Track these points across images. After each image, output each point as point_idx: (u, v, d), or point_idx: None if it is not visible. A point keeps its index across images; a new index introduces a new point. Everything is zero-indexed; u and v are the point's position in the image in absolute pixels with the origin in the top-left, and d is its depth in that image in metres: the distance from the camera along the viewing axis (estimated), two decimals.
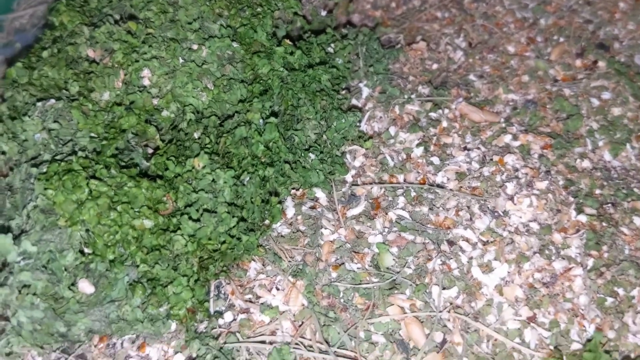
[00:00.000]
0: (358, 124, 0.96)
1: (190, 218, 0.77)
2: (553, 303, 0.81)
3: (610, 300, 0.81)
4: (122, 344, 0.79)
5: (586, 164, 0.94)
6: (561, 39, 1.11)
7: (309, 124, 0.88)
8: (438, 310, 0.79)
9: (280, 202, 0.87)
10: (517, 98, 1.03)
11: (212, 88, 0.85)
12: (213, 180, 0.79)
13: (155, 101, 0.84)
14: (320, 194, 0.90)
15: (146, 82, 0.83)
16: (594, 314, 0.80)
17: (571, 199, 0.90)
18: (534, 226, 0.86)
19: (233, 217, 0.79)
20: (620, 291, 0.82)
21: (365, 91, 1.03)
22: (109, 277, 0.74)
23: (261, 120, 0.85)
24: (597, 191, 0.92)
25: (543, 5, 1.17)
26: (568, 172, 0.93)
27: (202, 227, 0.77)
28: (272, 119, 0.85)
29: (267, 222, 0.86)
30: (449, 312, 0.79)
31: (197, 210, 0.78)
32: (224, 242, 0.79)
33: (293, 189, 0.90)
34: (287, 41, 0.95)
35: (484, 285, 0.81)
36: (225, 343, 0.77)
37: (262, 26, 0.93)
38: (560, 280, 0.83)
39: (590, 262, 0.84)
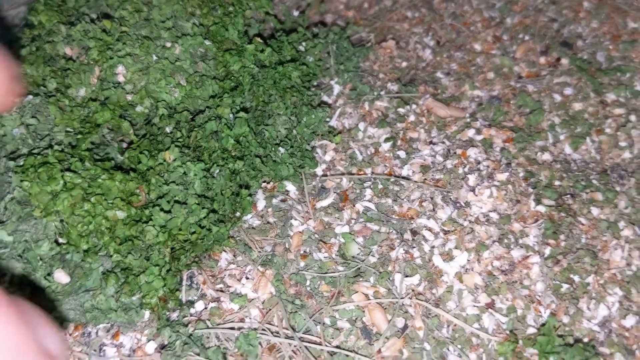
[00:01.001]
0: (328, 120, 0.99)
1: (161, 209, 0.80)
2: (511, 290, 0.84)
3: (565, 286, 0.85)
4: (96, 332, 0.82)
5: (547, 156, 0.98)
6: (526, 37, 1.15)
7: (280, 119, 0.91)
8: (400, 297, 0.82)
9: (250, 195, 0.90)
10: (482, 94, 1.07)
11: (185, 84, 0.88)
12: (184, 172, 0.82)
13: (129, 97, 0.87)
14: (290, 187, 0.93)
15: (120, 79, 0.87)
16: (549, 299, 0.84)
17: (530, 190, 0.94)
18: (494, 216, 0.89)
19: (203, 208, 0.82)
20: (576, 278, 0.86)
21: (336, 88, 1.06)
22: (84, 267, 0.77)
23: (231, 115, 0.89)
24: (557, 183, 0.95)
25: (510, 5, 1.20)
26: (528, 165, 0.96)
27: (172, 218, 0.80)
28: (242, 114, 0.89)
29: (237, 214, 0.89)
30: (410, 298, 0.83)
31: (169, 202, 0.81)
32: (194, 232, 0.82)
33: (264, 182, 0.93)
34: (258, 39, 0.98)
35: (444, 272, 0.85)
36: (195, 330, 0.80)
37: (234, 24, 0.96)
38: (518, 267, 0.86)
39: (547, 251, 0.88)
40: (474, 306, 0.83)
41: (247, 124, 0.88)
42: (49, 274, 0.76)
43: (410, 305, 0.82)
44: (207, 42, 0.93)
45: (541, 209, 0.92)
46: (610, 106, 1.05)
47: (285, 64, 0.98)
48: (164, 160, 0.83)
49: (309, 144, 0.97)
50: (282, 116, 0.92)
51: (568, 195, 0.94)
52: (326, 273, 0.84)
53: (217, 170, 0.85)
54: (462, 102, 1.06)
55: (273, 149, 0.91)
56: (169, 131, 0.86)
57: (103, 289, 0.78)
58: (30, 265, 0.75)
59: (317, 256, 0.86)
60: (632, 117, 1.03)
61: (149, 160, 0.83)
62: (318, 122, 0.96)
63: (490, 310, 0.82)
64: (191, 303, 0.84)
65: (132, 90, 0.88)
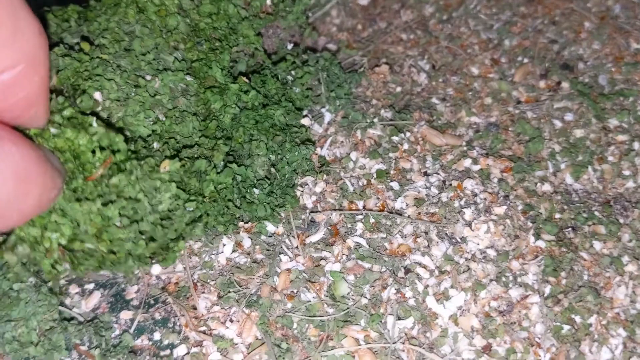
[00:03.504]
0: (310, 158, 0.95)
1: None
2: (509, 332, 0.80)
3: (566, 328, 0.81)
4: None
5: (546, 187, 0.94)
6: (525, 60, 1.11)
7: (259, 160, 0.87)
8: (392, 342, 0.78)
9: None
10: (479, 121, 1.03)
11: (164, 119, 0.84)
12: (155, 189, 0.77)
13: None
14: (270, 227, 0.89)
15: (98, 108, 0.83)
16: (549, 342, 0.80)
17: (530, 224, 0.89)
18: (491, 253, 0.85)
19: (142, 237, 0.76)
20: (577, 319, 0.82)
21: (328, 116, 1.02)
22: (11, 296, 0.74)
23: (222, 162, 0.85)
24: (557, 215, 0.91)
25: (508, 26, 1.16)
26: (527, 197, 0.92)
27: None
28: (233, 165, 0.85)
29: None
30: (403, 343, 0.78)
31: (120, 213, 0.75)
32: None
33: (242, 221, 0.89)
34: (243, 78, 0.94)
35: (439, 315, 0.80)
36: None
37: (218, 62, 0.92)
38: (517, 308, 0.82)
39: (547, 289, 0.84)
40: (470, 350, 0.78)
41: (232, 175, 0.84)
42: None
43: (403, 350, 0.78)
44: (189, 78, 0.89)
45: (541, 244, 0.87)
46: (613, 132, 1.01)
47: (269, 106, 0.93)
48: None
49: (290, 182, 0.93)
50: (262, 157, 0.88)
51: (569, 229, 0.90)
52: (314, 316, 0.80)
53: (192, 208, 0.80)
54: (458, 129, 1.02)
55: (249, 190, 0.87)
56: (156, 147, 0.82)
57: (26, 321, 0.76)
58: None
59: (305, 297, 0.82)
60: (636, 145, 0.99)
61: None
62: (301, 160, 0.92)
63: (487, 354, 0.78)
64: (172, 346, 0.80)
65: (108, 119, 0.84)
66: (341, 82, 1.04)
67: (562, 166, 0.97)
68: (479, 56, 1.11)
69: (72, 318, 0.82)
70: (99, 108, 0.83)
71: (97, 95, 0.83)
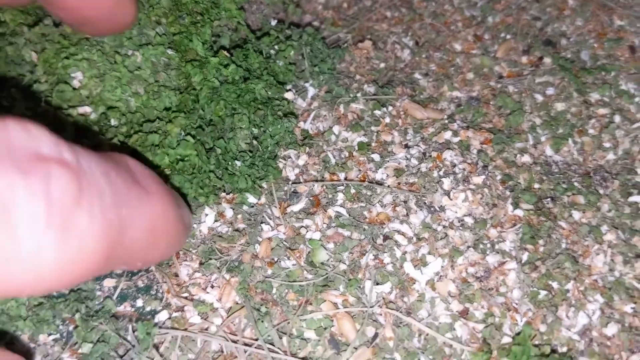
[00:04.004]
0: (292, 131, 0.95)
1: None
2: (486, 297, 0.81)
3: (543, 293, 0.81)
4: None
5: (526, 158, 0.95)
6: (508, 36, 1.12)
7: (241, 133, 0.88)
8: (370, 306, 0.79)
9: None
10: (461, 95, 1.04)
11: (143, 94, 0.86)
12: None
13: (87, 109, 0.85)
14: (252, 199, 0.90)
15: (76, 84, 0.84)
16: (526, 307, 0.81)
17: (508, 193, 0.90)
18: (469, 221, 0.86)
19: None
20: (555, 285, 0.83)
21: (311, 91, 1.03)
22: None
23: (182, 134, 0.86)
24: (536, 185, 0.92)
25: (492, 4, 1.17)
26: (506, 167, 0.93)
27: None
28: (189, 138, 0.86)
29: None
30: (381, 307, 0.79)
31: None
32: None
33: (224, 192, 0.90)
34: (225, 52, 0.95)
35: (416, 280, 0.81)
36: (150, 333, 0.77)
37: (199, 35, 0.93)
38: (494, 274, 0.83)
39: (525, 256, 0.85)
40: (447, 315, 0.79)
41: (193, 148, 0.85)
42: None
43: (381, 314, 0.79)
44: (170, 52, 0.90)
45: (519, 213, 0.88)
46: (594, 106, 1.02)
47: (250, 80, 0.94)
48: None
49: (272, 155, 0.94)
50: (244, 130, 0.89)
51: (548, 199, 0.91)
52: (294, 281, 0.81)
53: None
54: (440, 103, 1.03)
55: (230, 162, 0.88)
56: (113, 124, 0.83)
57: None
58: None
59: (285, 264, 0.83)
60: (617, 117, 1.00)
61: None
62: (284, 133, 0.93)
63: (463, 319, 0.79)
64: (154, 312, 0.81)
65: (88, 96, 0.85)
66: (324, 57, 1.05)
67: (543, 139, 0.98)
68: (462, 33, 1.12)
69: (61, 295, 0.83)
70: (79, 85, 0.85)
71: (78, 74, 0.85)
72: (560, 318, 0.80)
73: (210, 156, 0.87)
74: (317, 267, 0.82)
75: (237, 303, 0.81)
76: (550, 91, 1.03)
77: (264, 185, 0.92)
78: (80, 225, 0.43)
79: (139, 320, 0.80)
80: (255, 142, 0.90)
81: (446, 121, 0.98)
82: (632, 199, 0.91)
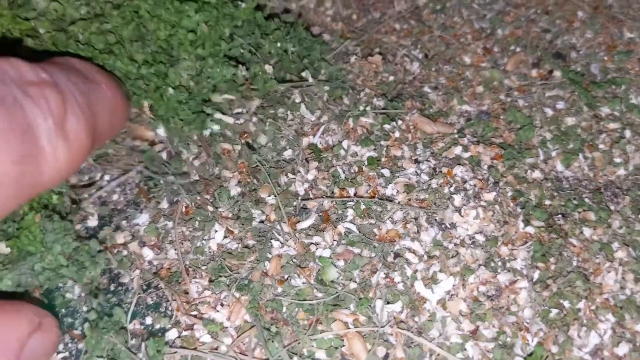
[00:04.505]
0: (233, 79, 0.95)
1: None
2: (497, 316, 0.81)
3: (555, 312, 0.81)
4: None
5: (537, 174, 0.94)
6: (518, 49, 1.11)
7: (184, 63, 0.90)
8: (381, 325, 0.79)
9: None
10: (471, 109, 1.03)
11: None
12: None
13: None
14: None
15: None
16: (537, 327, 0.80)
17: (519, 210, 0.90)
18: (480, 238, 0.86)
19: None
20: (566, 304, 0.82)
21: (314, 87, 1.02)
22: (21, 237, 0.79)
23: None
24: (547, 202, 0.92)
25: (501, 16, 1.17)
26: (517, 183, 0.92)
27: None
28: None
29: None
30: (392, 327, 0.79)
31: None
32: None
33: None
34: None
35: (427, 299, 0.81)
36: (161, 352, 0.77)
37: None
38: (505, 293, 0.82)
39: (536, 275, 0.84)
40: (458, 334, 0.79)
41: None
42: None
43: (392, 334, 0.79)
44: None
45: (530, 230, 0.88)
46: (605, 120, 1.02)
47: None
48: None
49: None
50: (187, 61, 0.90)
51: (559, 215, 0.90)
52: (304, 300, 0.81)
53: None
54: (450, 117, 1.02)
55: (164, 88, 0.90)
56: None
57: (50, 249, 0.80)
58: None
59: (295, 282, 0.83)
60: (627, 132, 1.00)
61: None
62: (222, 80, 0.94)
63: (475, 338, 0.79)
64: (163, 330, 0.81)
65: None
66: (311, 45, 1.04)
67: (553, 154, 0.98)
68: (472, 45, 1.12)
69: (89, 236, 0.87)
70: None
71: None
72: (572, 338, 0.80)
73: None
74: (327, 286, 0.82)
75: (247, 322, 0.80)
76: (560, 105, 1.03)
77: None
78: (73, 129, 0.59)
79: (150, 337, 0.80)
80: (192, 83, 0.91)
81: (456, 136, 0.98)
82: None
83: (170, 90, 0.90)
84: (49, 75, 0.59)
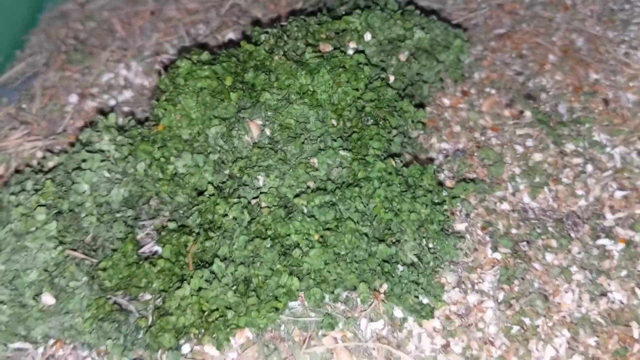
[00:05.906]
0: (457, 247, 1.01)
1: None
2: (466, 332, 0.93)
3: (516, 329, 0.93)
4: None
5: (505, 206, 1.07)
6: (492, 91, 1.24)
7: (407, 245, 0.95)
8: (365, 341, 0.92)
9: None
10: (448, 147, 1.16)
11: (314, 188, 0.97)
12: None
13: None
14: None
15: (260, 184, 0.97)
16: (500, 341, 0.92)
17: (488, 238, 1.02)
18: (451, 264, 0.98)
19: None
20: (527, 321, 0.94)
21: None
22: (67, 292, 0.89)
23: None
24: (514, 231, 1.04)
25: (479, 61, 1.30)
26: (487, 214, 1.05)
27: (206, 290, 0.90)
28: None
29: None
30: (374, 342, 0.92)
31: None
32: (216, 309, 0.90)
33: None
34: (392, 162, 0.99)
35: (405, 318, 0.94)
36: None
37: (378, 139, 1.01)
38: (474, 312, 0.95)
39: (501, 296, 0.97)
40: (432, 348, 0.92)
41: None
42: (37, 295, 0.89)
43: (374, 349, 0.91)
44: (343, 153, 0.99)
45: (497, 256, 1.00)
46: (569, 156, 1.14)
47: (418, 197, 0.98)
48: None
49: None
50: (409, 242, 0.96)
51: (524, 242, 1.03)
52: (300, 317, 0.94)
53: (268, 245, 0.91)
54: (429, 154, 1.15)
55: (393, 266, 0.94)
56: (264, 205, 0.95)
57: (82, 312, 0.90)
58: (17, 291, 0.88)
59: (291, 304, 0.96)
60: (589, 167, 1.12)
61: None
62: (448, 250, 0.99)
63: (446, 351, 0.91)
64: (178, 346, 0.94)
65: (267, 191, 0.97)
66: None
67: (521, 187, 1.10)
68: (451, 88, 1.25)
69: (123, 310, 0.95)
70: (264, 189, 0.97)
71: (260, 179, 0.97)
72: (531, 351, 0.92)
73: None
74: (319, 307, 0.95)
75: (249, 339, 0.93)
76: (529, 143, 1.15)
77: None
78: None
79: (168, 350, 0.93)
80: (416, 259, 0.96)
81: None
82: (599, 241, 1.03)
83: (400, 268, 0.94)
84: None
